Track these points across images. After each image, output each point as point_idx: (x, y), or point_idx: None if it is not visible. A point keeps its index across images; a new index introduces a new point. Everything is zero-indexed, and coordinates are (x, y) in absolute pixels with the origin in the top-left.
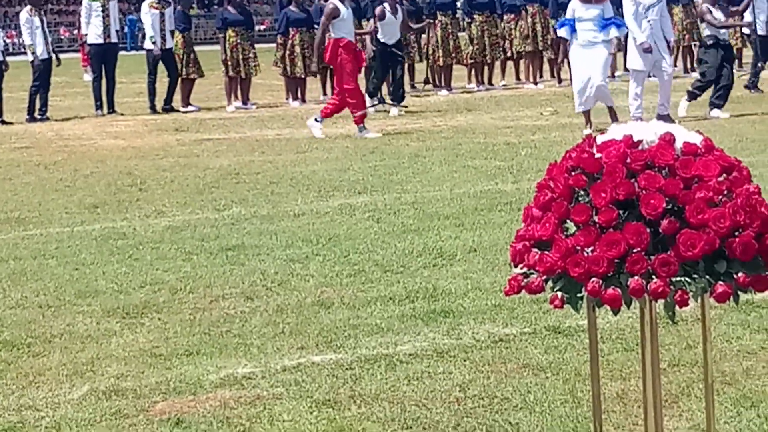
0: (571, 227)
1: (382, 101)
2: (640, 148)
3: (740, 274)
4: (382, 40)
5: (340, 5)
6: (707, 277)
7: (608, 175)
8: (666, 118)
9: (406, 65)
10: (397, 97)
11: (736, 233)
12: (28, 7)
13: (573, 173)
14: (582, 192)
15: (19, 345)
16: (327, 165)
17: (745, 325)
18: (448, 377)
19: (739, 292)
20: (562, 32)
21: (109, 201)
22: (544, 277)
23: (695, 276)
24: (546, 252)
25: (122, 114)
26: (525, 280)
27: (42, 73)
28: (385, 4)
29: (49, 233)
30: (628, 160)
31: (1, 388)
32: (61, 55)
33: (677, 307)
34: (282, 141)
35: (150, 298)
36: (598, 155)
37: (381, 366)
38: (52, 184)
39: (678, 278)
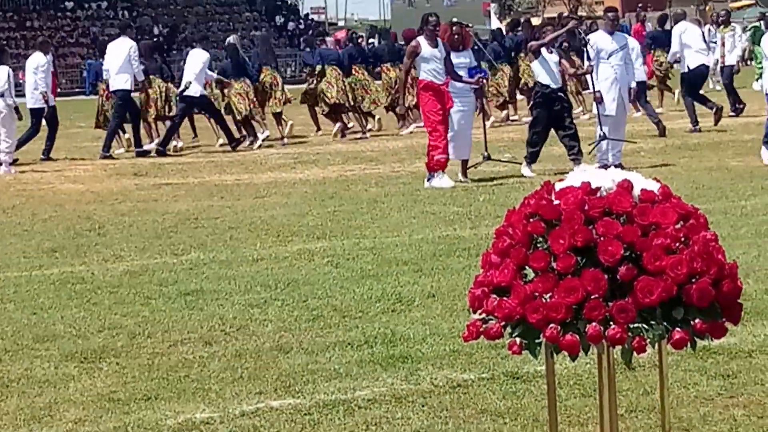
0: (530, 273)
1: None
2: (598, 195)
3: (697, 321)
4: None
5: (424, 43)
6: (664, 323)
7: (566, 222)
8: (619, 167)
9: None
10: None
11: (693, 280)
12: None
13: (531, 220)
14: (540, 239)
15: None
16: (286, 210)
17: (702, 371)
18: (406, 423)
19: (696, 339)
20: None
21: (67, 245)
22: (503, 323)
23: (653, 322)
24: (505, 298)
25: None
26: (484, 326)
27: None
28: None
29: (7, 277)
30: (586, 207)
31: None
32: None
33: (635, 354)
34: (241, 186)
35: (108, 342)
36: (556, 202)
37: (339, 411)
38: (10, 228)
39: (635, 325)
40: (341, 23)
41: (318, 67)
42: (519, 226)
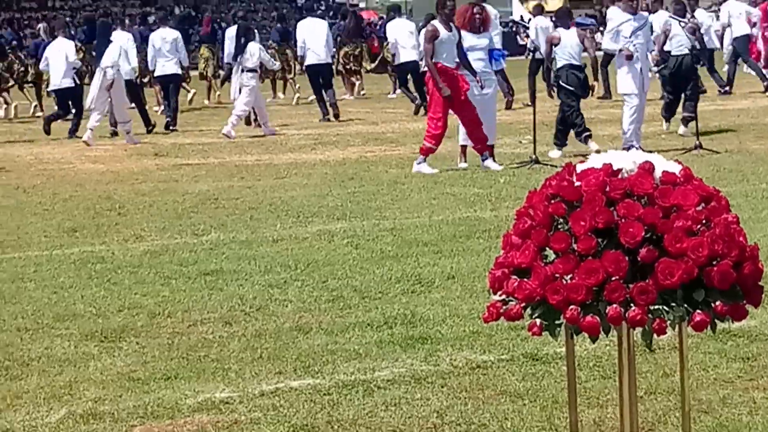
0: (551, 255)
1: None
2: (619, 176)
3: (718, 303)
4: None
5: (441, 28)
6: (685, 305)
7: (587, 204)
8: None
9: None
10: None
11: (714, 262)
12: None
13: (553, 201)
14: (561, 220)
15: None
16: (306, 191)
17: (722, 353)
18: (425, 403)
19: (717, 321)
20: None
21: (87, 225)
22: (523, 304)
23: (673, 304)
24: (525, 279)
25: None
26: (504, 307)
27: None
28: None
29: (28, 257)
30: (608, 189)
31: None
32: None
33: (655, 335)
34: (261, 166)
35: (128, 322)
36: (577, 183)
37: (359, 392)
38: (31, 208)
39: (656, 306)
40: (362, 4)
41: None
42: (540, 207)
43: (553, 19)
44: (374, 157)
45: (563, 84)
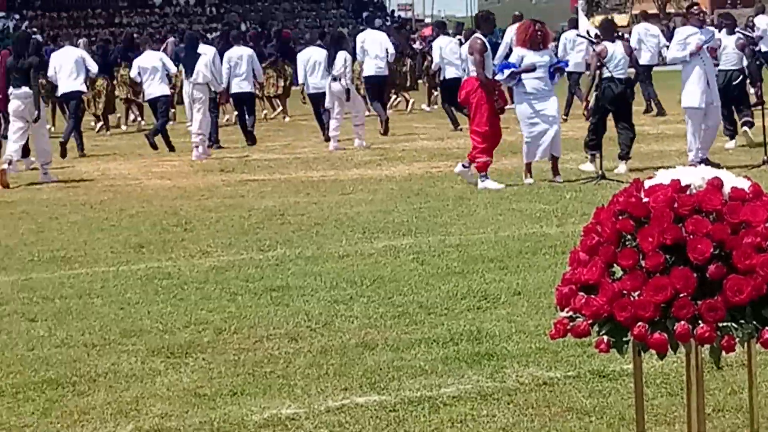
0: (618, 271)
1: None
2: (687, 192)
3: None
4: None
5: (483, 41)
6: (754, 322)
7: (656, 220)
8: (706, 162)
9: None
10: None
11: None
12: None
13: (620, 217)
14: (629, 236)
15: (65, 384)
16: (371, 207)
17: None
18: (491, 420)
19: None
20: (503, 76)
21: (154, 241)
22: (590, 321)
23: (742, 321)
24: (592, 296)
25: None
26: (571, 324)
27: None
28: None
29: (95, 272)
30: (676, 205)
31: (47, 426)
32: None
33: (723, 353)
34: (327, 182)
35: (194, 337)
36: (645, 200)
37: (424, 408)
38: (98, 224)
39: (724, 323)
40: (428, 20)
41: None
42: (608, 223)
43: (598, 33)
44: (440, 173)
45: (597, 95)
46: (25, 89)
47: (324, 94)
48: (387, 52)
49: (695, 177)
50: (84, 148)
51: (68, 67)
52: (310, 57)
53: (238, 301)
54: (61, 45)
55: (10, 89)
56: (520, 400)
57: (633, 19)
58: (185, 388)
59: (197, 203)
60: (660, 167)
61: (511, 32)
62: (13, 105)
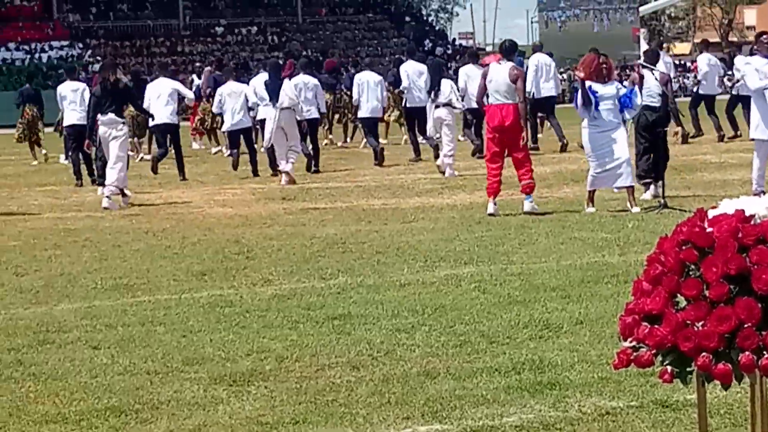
0: (682, 301)
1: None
2: (752, 222)
3: None
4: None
5: None
6: None
7: (720, 250)
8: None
9: None
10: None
11: None
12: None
13: (684, 247)
14: (693, 266)
15: (127, 411)
16: (433, 235)
17: None
18: None
19: None
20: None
21: (216, 269)
22: (654, 351)
23: None
24: (656, 326)
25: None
26: (634, 354)
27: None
28: None
29: (157, 300)
30: (740, 235)
31: None
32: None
33: None
34: (388, 210)
35: (257, 366)
36: (709, 230)
37: None
38: (161, 252)
39: None
40: (489, 48)
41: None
42: (671, 253)
43: (643, 59)
44: (501, 201)
45: (635, 124)
46: (110, 115)
47: (375, 119)
48: (426, 83)
49: (760, 206)
50: (157, 170)
51: (163, 98)
52: (366, 80)
53: (300, 330)
54: (157, 76)
55: (99, 115)
56: (583, 429)
57: (695, 47)
58: (247, 416)
59: (259, 231)
60: (723, 196)
61: (534, 61)
62: (101, 131)
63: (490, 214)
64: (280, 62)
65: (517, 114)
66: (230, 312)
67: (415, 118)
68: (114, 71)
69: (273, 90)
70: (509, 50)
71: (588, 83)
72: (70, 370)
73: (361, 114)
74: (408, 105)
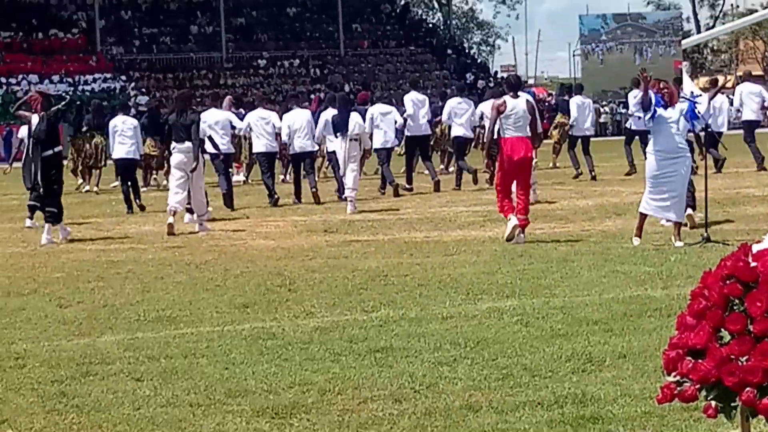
0: (726, 336)
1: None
2: None
3: None
4: None
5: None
6: None
7: (764, 285)
8: None
9: None
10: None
11: None
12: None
13: (728, 282)
14: (737, 301)
15: None
16: (475, 268)
17: None
18: None
19: None
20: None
21: (258, 301)
22: (698, 386)
23: None
24: (700, 360)
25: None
26: (678, 389)
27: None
28: None
29: (200, 332)
30: None
31: None
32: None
33: None
34: (430, 243)
35: (299, 398)
36: (753, 264)
37: None
38: (203, 284)
39: None
40: (531, 81)
41: None
42: (715, 288)
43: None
44: (543, 234)
45: None
46: (188, 144)
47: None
48: (427, 113)
49: None
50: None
51: (218, 128)
52: (378, 112)
53: (342, 362)
54: (208, 107)
55: (174, 143)
56: None
57: (737, 80)
58: None
59: (301, 263)
60: (767, 230)
61: (578, 101)
62: (177, 158)
63: (514, 227)
64: (350, 96)
65: (532, 146)
66: (272, 344)
67: (415, 147)
68: (190, 103)
69: (339, 122)
70: (518, 85)
71: (652, 100)
72: (113, 402)
73: (375, 145)
74: (409, 134)
